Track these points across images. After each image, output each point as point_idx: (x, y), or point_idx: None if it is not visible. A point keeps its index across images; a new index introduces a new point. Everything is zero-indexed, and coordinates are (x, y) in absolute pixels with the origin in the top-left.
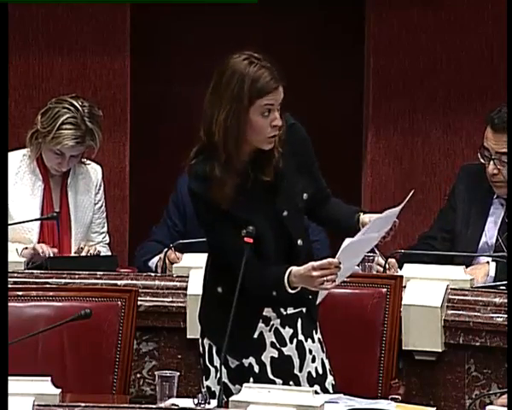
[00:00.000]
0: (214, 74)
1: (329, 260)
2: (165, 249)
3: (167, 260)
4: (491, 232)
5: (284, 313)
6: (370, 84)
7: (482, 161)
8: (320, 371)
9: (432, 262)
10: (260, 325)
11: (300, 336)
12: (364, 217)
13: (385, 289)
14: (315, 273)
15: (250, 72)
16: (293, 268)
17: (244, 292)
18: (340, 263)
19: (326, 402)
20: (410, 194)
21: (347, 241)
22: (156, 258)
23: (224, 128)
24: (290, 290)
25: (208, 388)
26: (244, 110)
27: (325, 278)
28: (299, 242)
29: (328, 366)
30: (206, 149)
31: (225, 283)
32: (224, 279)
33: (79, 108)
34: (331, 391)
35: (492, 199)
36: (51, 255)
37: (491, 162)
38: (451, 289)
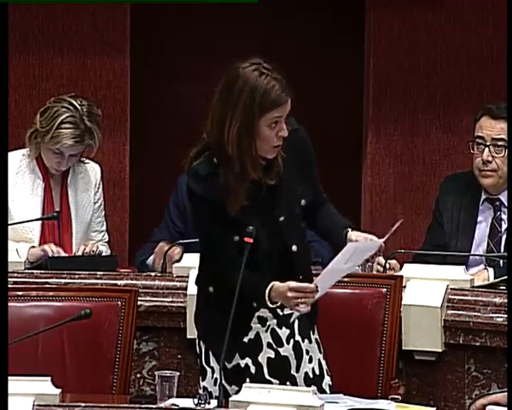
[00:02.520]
0: (222, 83)
1: (306, 285)
2: (165, 248)
3: (167, 259)
4: (480, 239)
5: (281, 313)
6: (370, 84)
7: (475, 151)
8: (317, 372)
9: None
10: (257, 325)
11: (297, 337)
12: (351, 234)
13: (385, 289)
14: (289, 294)
15: (261, 84)
16: (275, 284)
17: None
18: (317, 288)
19: (326, 402)
20: (398, 224)
21: (327, 269)
22: (153, 256)
23: (237, 142)
24: (270, 305)
25: (205, 388)
26: (255, 123)
27: (299, 301)
28: (294, 247)
29: (325, 367)
30: (213, 155)
31: (216, 283)
32: (215, 279)
33: (78, 107)
34: (328, 392)
35: (478, 206)
36: (55, 256)
37: (486, 149)
38: (451, 289)
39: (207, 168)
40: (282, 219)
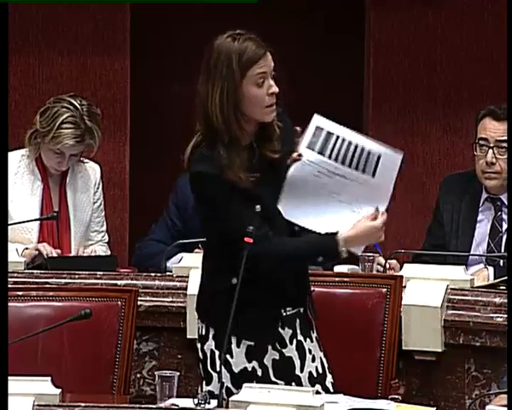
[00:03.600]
0: (202, 62)
1: (374, 213)
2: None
3: None
4: (481, 238)
5: (284, 314)
6: (370, 84)
7: (478, 152)
8: (320, 371)
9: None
10: None
11: (300, 337)
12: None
13: (385, 289)
14: (378, 223)
15: (235, 47)
16: (341, 234)
17: (260, 285)
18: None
19: (326, 402)
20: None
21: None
22: (178, 256)
23: (220, 109)
24: (344, 255)
25: (211, 392)
26: (237, 85)
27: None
28: None
29: (326, 365)
30: (205, 139)
31: (239, 273)
32: (238, 270)
33: (78, 106)
34: (331, 390)
35: (479, 205)
36: (54, 256)
37: (490, 151)
38: (451, 289)
39: (212, 152)
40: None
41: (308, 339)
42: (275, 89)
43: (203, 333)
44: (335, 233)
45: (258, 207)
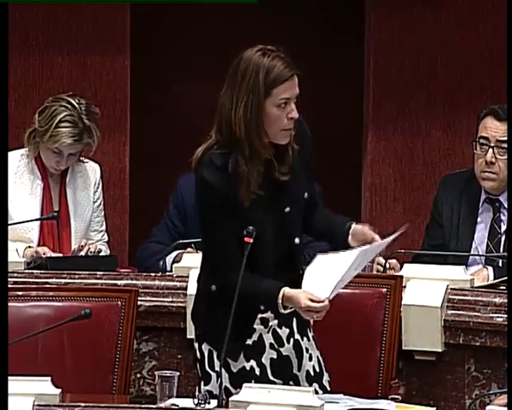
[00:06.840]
0: (229, 71)
1: (321, 304)
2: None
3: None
4: (480, 240)
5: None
6: (370, 84)
7: (478, 151)
8: (317, 370)
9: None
10: (259, 326)
11: (297, 336)
12: (357, 226)
13: (385, 289)
14: (305, 307)
15: (264, 62)
16: (286, 290)
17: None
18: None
19: (326, 402)
20: (404, 228)
21: (340, 280)
22: (174, 254)
23: (244, 122)
24: (282, 310)
25: (210, 392)
26: (261, 101)
27: (314, 315)
28: (297, 240)
29: (322, 363)
30: (222, 146)
31: (218, 281)
32: (218, 278)
33: (76, 105)
34: (328, 388)
35: (478, 205)
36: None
37: (490, 150)
38: (451, 289)
39: (221, 159)
40: (287, 209)
41: (305, 338)
42: (295, 114)
43: (199, 333)
44: (281, 288)
45: (250, 228)
